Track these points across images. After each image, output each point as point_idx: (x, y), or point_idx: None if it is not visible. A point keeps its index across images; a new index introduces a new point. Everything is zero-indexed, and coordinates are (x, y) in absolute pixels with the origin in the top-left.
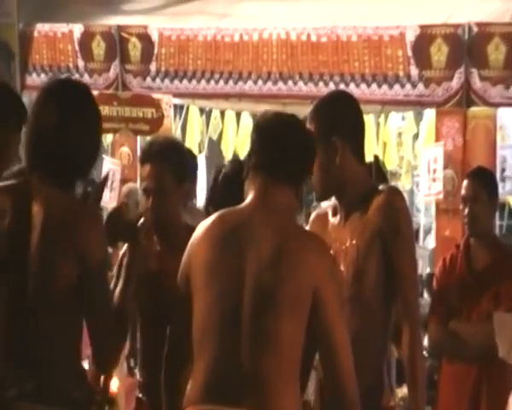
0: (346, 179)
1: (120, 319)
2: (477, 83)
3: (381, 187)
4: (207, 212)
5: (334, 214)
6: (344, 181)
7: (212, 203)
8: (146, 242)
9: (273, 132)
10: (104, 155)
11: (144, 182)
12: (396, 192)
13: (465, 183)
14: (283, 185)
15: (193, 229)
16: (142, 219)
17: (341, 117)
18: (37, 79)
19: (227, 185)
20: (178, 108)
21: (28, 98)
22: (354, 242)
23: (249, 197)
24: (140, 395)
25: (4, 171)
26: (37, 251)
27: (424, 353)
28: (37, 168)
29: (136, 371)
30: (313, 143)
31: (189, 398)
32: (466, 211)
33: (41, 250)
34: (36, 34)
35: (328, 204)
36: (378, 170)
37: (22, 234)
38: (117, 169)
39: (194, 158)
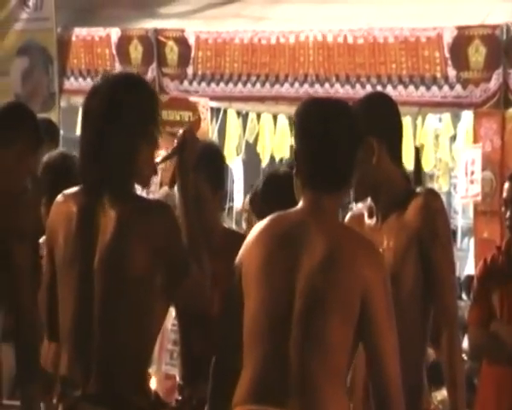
0: (382, 180)
1: (196, 255)
2: None
3: (418, 189)
4: (262, 213)
5: (370, 216)
6: (380, 182)
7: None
8: None
9: (324, 139)
10: None
11: None
12: (434, 194)
13: (506, 185)
14: (335, 191)
15: (232, 233)
16: None
17: (379, 118)
18: (75, 84)
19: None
20: (215, 111)
21: (66, 102)
22: (391, 244)
23: (301, 202)
24: (180, 398)
25: (18, 187)
26: (108, 250)
27: (463, 356)
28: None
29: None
30: (361, 141)
31: (237, 398)
32: (508, 214)
33: (113, 249)
34: (74, 39)
35: (363, 205)
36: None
37: (89, 234)
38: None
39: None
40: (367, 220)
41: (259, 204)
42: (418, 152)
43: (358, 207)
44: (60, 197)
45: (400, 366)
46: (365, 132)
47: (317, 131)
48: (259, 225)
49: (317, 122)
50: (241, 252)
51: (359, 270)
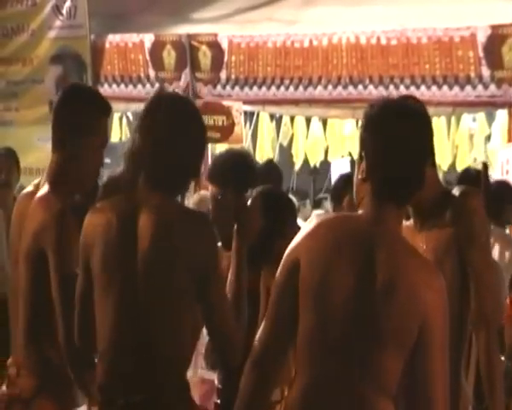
0: None
1: (239, 312)
2: None
3: (455, 190)
4: None
5: (407, 218)
6: None
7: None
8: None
9: (400, 153)
10: None
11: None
12: (471, 193)
13: None
14: (404, 204)
15: None
16: None
17: None
18: (108, 90)
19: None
20: (249, 115)
21: None
22: (431, 246)
23: (367, 209)
24: (219, 401)
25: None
26: (145, 261)
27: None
28: (146, 179)
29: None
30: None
31: None
32: None
33: (150, 260)
34: (107, 45)
35: None
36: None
37: (129, 244)
38: None
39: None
40: (404, 222)
41: None
42: (486, 168)
43: None
44: (95, 208)
45: None
46: None
47: (391, 142)
48: (319, 223)
49: (392, 131)
50: (296, 245)
51: (420, 296)
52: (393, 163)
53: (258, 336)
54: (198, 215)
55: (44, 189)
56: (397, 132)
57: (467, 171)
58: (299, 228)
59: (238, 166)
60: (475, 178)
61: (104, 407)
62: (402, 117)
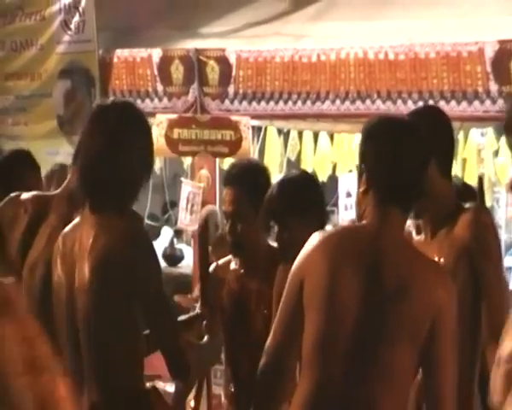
0: (432, 194)
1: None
2: None
3: (467, 205)
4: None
5: (418, 233)
6: (430, 196)
7: None
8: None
9: (402, 161)
10: (183, 179)
11: (225, 205)
12: (484, 210)
13: None
14: (406, 214)
15: (277, 251)
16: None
17: (430, 132)
18: None
19: None
20: (256, 130)
21: None
22: (442, 259)
23: (372, 217)
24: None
25: None
26: (87, 279)
27: None
28: (89, 195)
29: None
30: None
31: None
32: None
33: (91, 278)
34: (115, 60)
35: (410, 222)
36: (480, 191)
37: (72, 262)
38: (197, 192)
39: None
40: (415, 237)
41: None
42: (482, 181)
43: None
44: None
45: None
46: None
47: (393, 150)
48: (324, 236)
49: (393, 140)
50: (301, 262)
51: (431, 295)
52: (395, 170)
53: (265, 348)
54: (134, 232)
55: None
56: (395, 141)
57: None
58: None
59: (254, 173)
60: (463, 191)
61: None
62: (399, 127)
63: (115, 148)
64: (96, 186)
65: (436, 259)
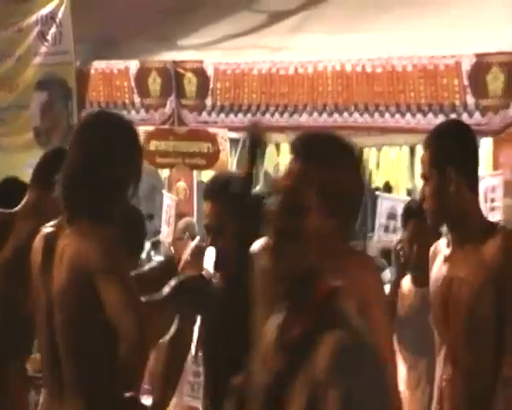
0: (459, 209)
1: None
2: None
3: (498, 225)
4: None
5: (448, 245)
6: (456, 210)
7: None
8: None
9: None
10: (164, 191)
11: (206, 219)
12: None
13: None
14: None
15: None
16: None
17: (457, 148)
18: None
19: None
20: (234, 142)
21: None
22: (468, 276)
23: None
24: None
25: None
26: (62, 288)
27: None
28: (69, 203)
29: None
30: None
31: None
32: None
33: (63, 285)
34: (92, 71)
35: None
36: None
37: (49, 271)
38: (172, 204)
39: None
40: (445, 250)
41: None
42: None
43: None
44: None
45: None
46: (443, 162)
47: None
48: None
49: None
50: None
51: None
52: None
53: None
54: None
55: None
56: None
57: (410, 203)
58: None
59: (237, 187)
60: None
61: None
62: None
63: (100, 157)
64: (77, 195)
65: (460, 273)
